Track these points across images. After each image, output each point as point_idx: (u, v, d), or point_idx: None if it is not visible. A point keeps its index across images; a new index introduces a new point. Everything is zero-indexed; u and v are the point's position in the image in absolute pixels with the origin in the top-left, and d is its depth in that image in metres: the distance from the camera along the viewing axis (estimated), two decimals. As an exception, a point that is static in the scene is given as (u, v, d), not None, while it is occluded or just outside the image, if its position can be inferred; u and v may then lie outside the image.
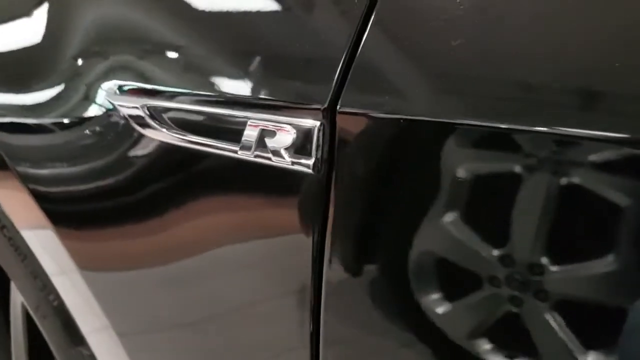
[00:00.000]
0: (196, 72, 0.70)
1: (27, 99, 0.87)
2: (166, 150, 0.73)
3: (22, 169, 0.88)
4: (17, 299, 1.27)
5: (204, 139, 0.68)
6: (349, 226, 0.59)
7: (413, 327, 0.56)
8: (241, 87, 0.65)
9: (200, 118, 0.69)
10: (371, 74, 0.55)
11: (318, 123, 0.58)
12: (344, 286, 0.61)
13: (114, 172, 0.79)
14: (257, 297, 0.69)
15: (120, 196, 0.79)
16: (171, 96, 0.71)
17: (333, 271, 0.60)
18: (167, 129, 0.71)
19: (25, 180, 0.88)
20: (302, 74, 0.60)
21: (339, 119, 0.56)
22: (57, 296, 1.11)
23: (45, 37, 0.88)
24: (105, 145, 0.79)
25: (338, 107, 0.56)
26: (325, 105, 0.57)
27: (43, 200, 0.88)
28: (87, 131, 0.80)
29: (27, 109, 0.87)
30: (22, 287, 1.18)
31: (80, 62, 0.82)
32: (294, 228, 0.62)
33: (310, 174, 0.59)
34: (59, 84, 0.84)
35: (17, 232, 1.09)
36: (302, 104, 0.59)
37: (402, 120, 0.51)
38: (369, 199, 0.57)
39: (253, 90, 0.64)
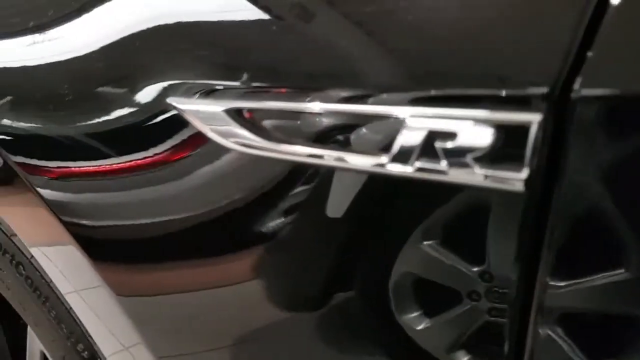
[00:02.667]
0: (318, 61, 0.50)
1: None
2: (259, 167, 0.53)
3: (57, 201, 0.68)
4: (35, 347, 1.10)
5: (325, 150, 0.48)
6: (579, 271, 0.39)
7: None
8: (391, 74, 0.45)
9: (316, 121, 0.49)
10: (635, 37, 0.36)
11: (538, 117, 0.38)
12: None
13: (181, 202, 0.59)
14: None
15: (199, 226, 0.60)
16: (271, 95, 0.51)
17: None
18: (265, 139, 0.51)
19: (59, 212, 0.68)
20: (505, 43, 0.41)
21: (575, 109, 0.36)
22: (88, 345, 0.94)
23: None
24: (167, 166, 0.59)
25: (572, 92, 0.36)
26: (549, 91, 0.37)
27: (81, 237, 0.67)
28: (143, 148, 0.59)
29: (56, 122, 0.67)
30: (43, 334, 1.01)
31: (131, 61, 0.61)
32: (482, 273, 0.42)
33: (517, 193, 0.39)
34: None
35: (36, 271, 0.93)
36: (506, 89, 0.39)
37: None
38: (619, 230, 0.37)
39: (414, 77, 0.44)
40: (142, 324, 0.73)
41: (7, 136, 0.72)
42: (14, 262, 0.98)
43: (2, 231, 0.95)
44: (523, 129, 0.39)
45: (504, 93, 0.40)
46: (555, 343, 0.43)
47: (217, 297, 0.65)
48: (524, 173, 0.39)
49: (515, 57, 0.41)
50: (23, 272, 0.97)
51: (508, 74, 0.41)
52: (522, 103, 0.39)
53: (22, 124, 0.71)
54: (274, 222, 0.56)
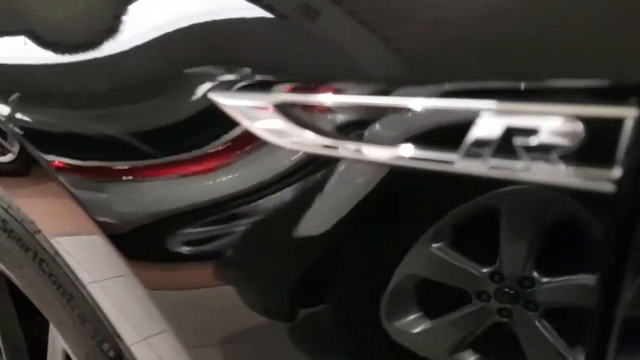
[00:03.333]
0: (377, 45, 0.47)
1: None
2: (306, 165, 0.50)
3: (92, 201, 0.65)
4: (57, 346, 1.07)
5: (387, 148, 0.45)
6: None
7: None
8: (464, 61, 0.43)
9: (374, 116, 0.46)
10: None
11: (633, 112, 0.35)
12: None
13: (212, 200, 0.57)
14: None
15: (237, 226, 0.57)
16: (325, 87, 0.49)
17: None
18: (318, 136, 0.48)
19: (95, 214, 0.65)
20: (593, 32, 0.38)
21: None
22: (114, 345, 0.92)
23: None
24: (211, 168, 0.57)
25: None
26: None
27: (119, 238, 0.65)
28: (184, 149, 0.57)
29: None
30: (66, 332, 1.00)
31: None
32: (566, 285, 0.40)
33: (606, 194, 0.37)
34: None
35: (60, 268, 0.91)
36: (594, 80, 0.37)
37: None
38: None
39: (490, 68, 0.41)
40: (172, 315, 0.71)
41: (38, 133, 0.70)
42: (37, 259, 0.95)
43: (24, 227, 0.93)
44: (615, 124, 0.36)
45: (593, 85, 0.37)
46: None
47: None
48: (615, 171, 0.37)
49: (607, 45, 0.38)
50: (46, 269, 0.95)
51: (599, 64, 0.38)
52: (615, 95, 0.36)
53: (55, 121, 0.69)
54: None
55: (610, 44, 0.38)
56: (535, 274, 0.46)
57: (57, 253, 0.89)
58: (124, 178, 0.63)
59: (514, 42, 0.42)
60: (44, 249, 0.93)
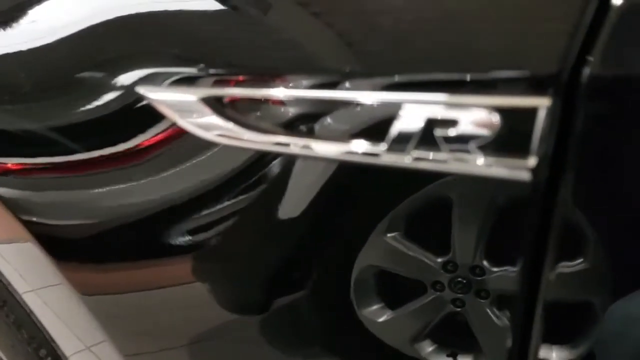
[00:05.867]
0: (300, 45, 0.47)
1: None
2: (238, 159, 0.49)
3: (15, 199, 0.63)
4: None
5: (313, 140, 0.45)
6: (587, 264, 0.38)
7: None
8: (385, 59, 0.42)
9: (304, 109, 0.46)
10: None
11: (546, 102, 0.36)
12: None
13: (142, 195, 0.57)
14: None
15: (166, 222, 0.56)
16: (250, 81, 0.48)
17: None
18: (246, 129, 0.48)
19: (18, 210, 0.63)
20: (507, 26, 0.38)
21: (587, 91, 0.34)
22: (51, 350, 0.90)
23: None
24: (137, 162, 0.55)
25: (583, 74, 0.35)
26: (558, 72, 0.35)
27: (43, 236, 0.63)
28: (111, 143, 0.55)
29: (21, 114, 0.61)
30: (1, 340, 0.97)
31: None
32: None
33: (522, 183, 0.38)
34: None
35: None
36: (510, 72, 0.37)
37: None
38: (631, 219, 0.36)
39: (409, 63, 0.41)
40: (107, 322, 0.70)
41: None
42: None
43: None
44: (530, 114, 0.37)
45: (508, 76, 0.38)
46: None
47: (182, 294, 0.62)
48: (531, 161, 0.37)
49: (521, 38, 0.38)
50: None
51: (513, 57, 0.38)
52: (530, 86, 0.37)
53: None
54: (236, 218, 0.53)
55: (525, 37, 0.39)
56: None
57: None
58: (47, 175, 0.60)
59: (434, 37, 0.42)
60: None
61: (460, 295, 0.48)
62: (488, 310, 0.47)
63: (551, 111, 0.36)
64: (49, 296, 0.79)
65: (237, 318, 0.60)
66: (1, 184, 0.65)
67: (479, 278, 0.47)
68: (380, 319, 0.53)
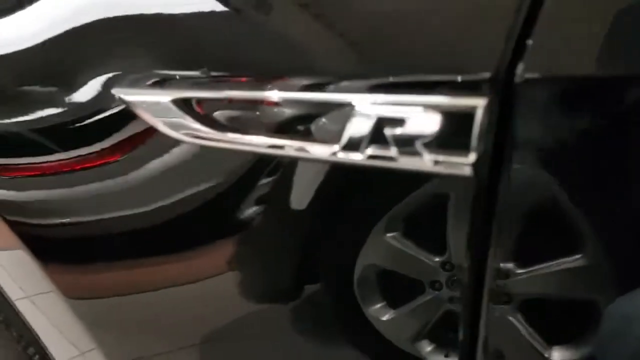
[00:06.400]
0: (261, 43, 0.49)
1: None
2: (206, 158, 0.52)
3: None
4: None
5: (274, 139, 0.47)
6: (525, 251, 0.40)
7: None
8: (338, 61, 0.45)
9: (266, 110, 0.48)
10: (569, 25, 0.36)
11: (482, 101, 0.38)
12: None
13: (122, 195, 0.59)
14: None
15: (143, 223, 0.58)
16: (217, 83, 0.50)
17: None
18: (213, 129, 0.50)
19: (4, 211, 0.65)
20: (448, 30, 0.41)
21: (519, 92, 0.37)
22: (40, 348, 0.91)
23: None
24: (114, 161, 0.57)
25: (517, 75, 0.37)
26: (493, 74, 0.38)
27: (28, 237, 0.65)
28: (89, 143, 0.57)
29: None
30: None
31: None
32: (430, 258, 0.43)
33: (465, 177, 0.40)
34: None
35: None
36: (451, 75, 0.40)
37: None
38: (565, 211, 0.38)
39: (360, 63, 0.44)
40: (94, 327, 0.71)
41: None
42: None
43: None
44: (469, 114, 0.39)
45: (449, 78, 0.40)
46: (506, 327, 0.45)
47: (169, 297, 0.64)
48: (471, 157, 0.40)
49: (459, 42, 0.41)
50: None
51: (452, 59, 0.41)
52: (468, 88, 0.39)
53: None
54: (229, 217, 0.55)
55: (463, 41, 0.41)
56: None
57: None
58: (27, 174, 0.63)
59: (380, 42, 0.44)
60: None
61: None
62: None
63: (488, 111, 0.39)
64: (42, 303, 0.80)
65: (231, 320, 0.62)
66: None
67: (449, 273, 0.49)
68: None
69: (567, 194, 0.39)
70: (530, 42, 0.38)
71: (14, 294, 0.83)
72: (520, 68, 0.38)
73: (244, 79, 0.51)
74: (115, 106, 0.56)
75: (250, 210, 0.54)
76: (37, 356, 0.92)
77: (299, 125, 0.47)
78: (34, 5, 0.65)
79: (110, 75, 0.57)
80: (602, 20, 0.37)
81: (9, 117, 0.63)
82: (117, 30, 0.59)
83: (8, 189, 0.66)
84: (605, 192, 0.40)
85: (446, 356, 0.52)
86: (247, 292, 0.59)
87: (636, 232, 0.39)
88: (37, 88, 0.63)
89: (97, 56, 0.59)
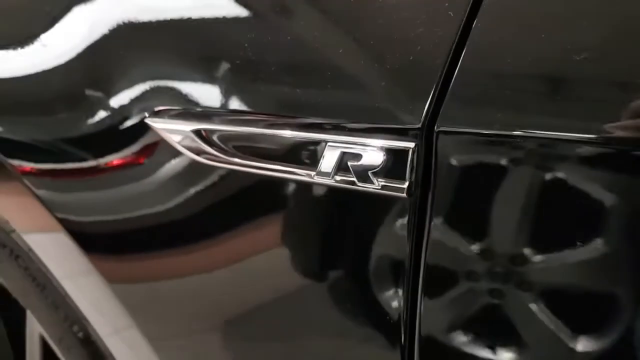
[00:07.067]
0: (260, 91, 0.65)
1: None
2: (222, 177, 0.68)
3: (52, 198, 0.81)
4: (34, 330, 1.19)
5: (268, 164, 0.63)
6: (447, 251, 0.55)
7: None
8: (317, 108, 0.60)
9: (264, 142, 0.63)
10: (477, 86, 0.51)
11: (412, 145, 0.53)
12: (440, 313, 0.57)
13: (157, 200, 0.74)
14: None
15: (171, 226, 0.74)
16: (228, 119, 0.66)
17: (428, 297, 0.56)
18: (225, 154, 0.66)
19: (55, 210, 0.81)
20: (391, 90, 0.56)
21: (438, 139, 0.52)
22: (82, 327, 1.04)
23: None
24: (146, 172, 0.73)
25: (436, 126, 0.52)
26: (420, 125, 0.53)
27: (78, 233, 0.81)
28: (124, 157, 0.73)
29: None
30: (41, 318, 1.10)
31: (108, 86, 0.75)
32: (383, 255, 0.57)
33: (402, 198, 0.55)
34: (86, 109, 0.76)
35: (33, 262, 1.02)
36: (392, 124, 0.54)
37: (518, 139, 0.47)
38: (472, 223, 0.53)
39: (331, 110, 0.59)
40: (134, 308, 0.83)
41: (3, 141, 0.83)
42: (13, 254, 1.05)
43: (1, 227, 1.02)
44: (403, 152, 0.55)
45: (392, 126, 0.55)
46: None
47: (200, 283, 0.76)
48: (405, 184, 0.55)
49: (401, 100, 0.56)
50: (22, 263, 1.07)
51: (395, 112, 0.56)
52: (403, 134, 0.55)
53: (17, 129, 0.83)
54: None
55: (403, 100, 0.56)
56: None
57: (30, 249, 1.01)
58: (74, 179, 0.77)
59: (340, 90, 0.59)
60: (19, 246, 1.03)
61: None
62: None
63: (416, 151, 0.54)
64: (82, 283, 0.90)
65: (261, 304, 0.72)
66: (40, 187, 0.81)
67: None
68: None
69: (474, 209, 0.54)
70: (445, 98, 0.52)
71: (59, 274, 0.95)
72: (438, 120, 0.53)
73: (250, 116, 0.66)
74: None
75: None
76: (81, 333, 1.04)
77: (289, 153, 0.63)
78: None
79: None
80: (510, 79, 0.51)
81: (57, 131, 0.78)
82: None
83: (58, 190, 0.80)
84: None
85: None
86: (285, 273, 0.69)
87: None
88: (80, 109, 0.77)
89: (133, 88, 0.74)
